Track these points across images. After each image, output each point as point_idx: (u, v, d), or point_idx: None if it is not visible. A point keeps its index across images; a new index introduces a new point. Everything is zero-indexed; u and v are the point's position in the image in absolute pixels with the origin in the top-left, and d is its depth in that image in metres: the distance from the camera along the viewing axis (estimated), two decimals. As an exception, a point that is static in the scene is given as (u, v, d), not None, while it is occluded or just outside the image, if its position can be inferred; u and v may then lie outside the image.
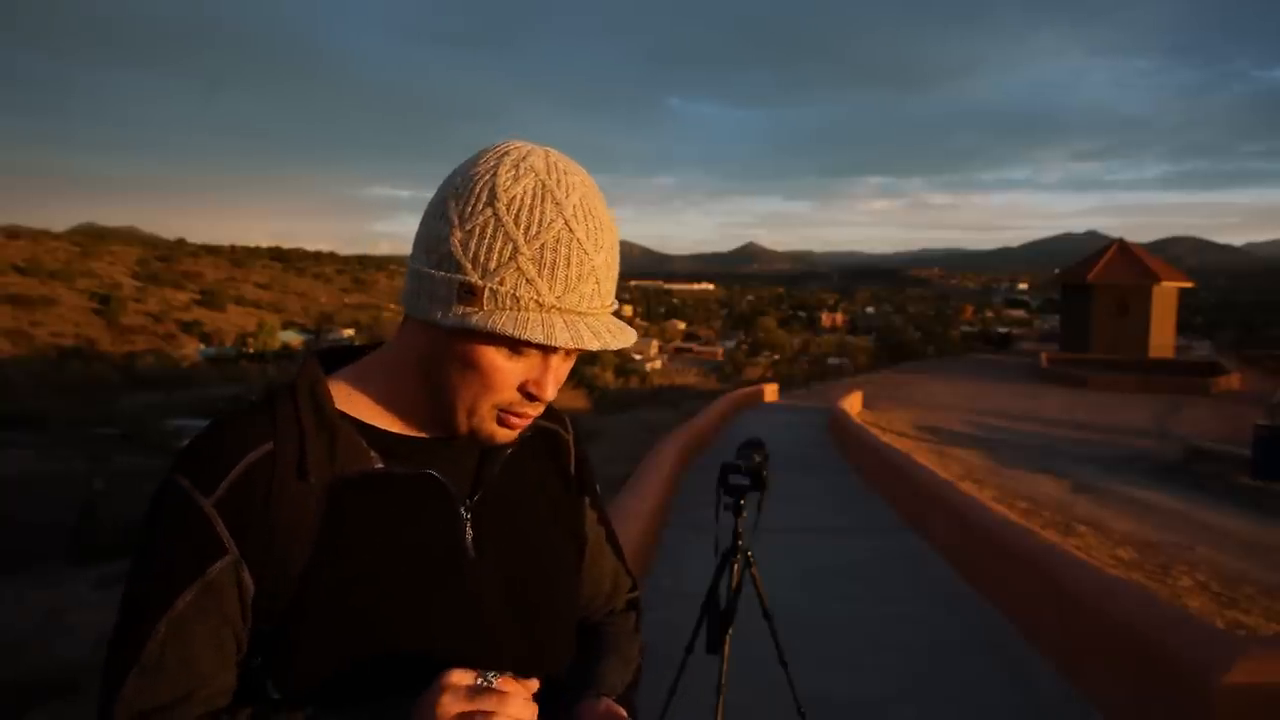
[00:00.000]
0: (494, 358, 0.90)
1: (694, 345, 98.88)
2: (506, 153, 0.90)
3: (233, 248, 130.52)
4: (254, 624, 0.90)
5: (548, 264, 0.86)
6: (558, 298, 0.87)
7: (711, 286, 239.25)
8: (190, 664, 0.86)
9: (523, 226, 0.86)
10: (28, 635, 5.22)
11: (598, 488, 1.22)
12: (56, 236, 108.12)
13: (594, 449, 13.91)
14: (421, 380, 0.95)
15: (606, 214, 0.92)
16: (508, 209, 0.86)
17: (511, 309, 0.87)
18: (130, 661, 0.86)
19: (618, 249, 0.93)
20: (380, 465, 0.94)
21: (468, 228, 0.87)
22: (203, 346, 66.75)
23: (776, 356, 65.09)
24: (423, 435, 0.99)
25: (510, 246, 0.86)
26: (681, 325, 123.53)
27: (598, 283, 0.90)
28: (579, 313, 0.89)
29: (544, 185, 0.88)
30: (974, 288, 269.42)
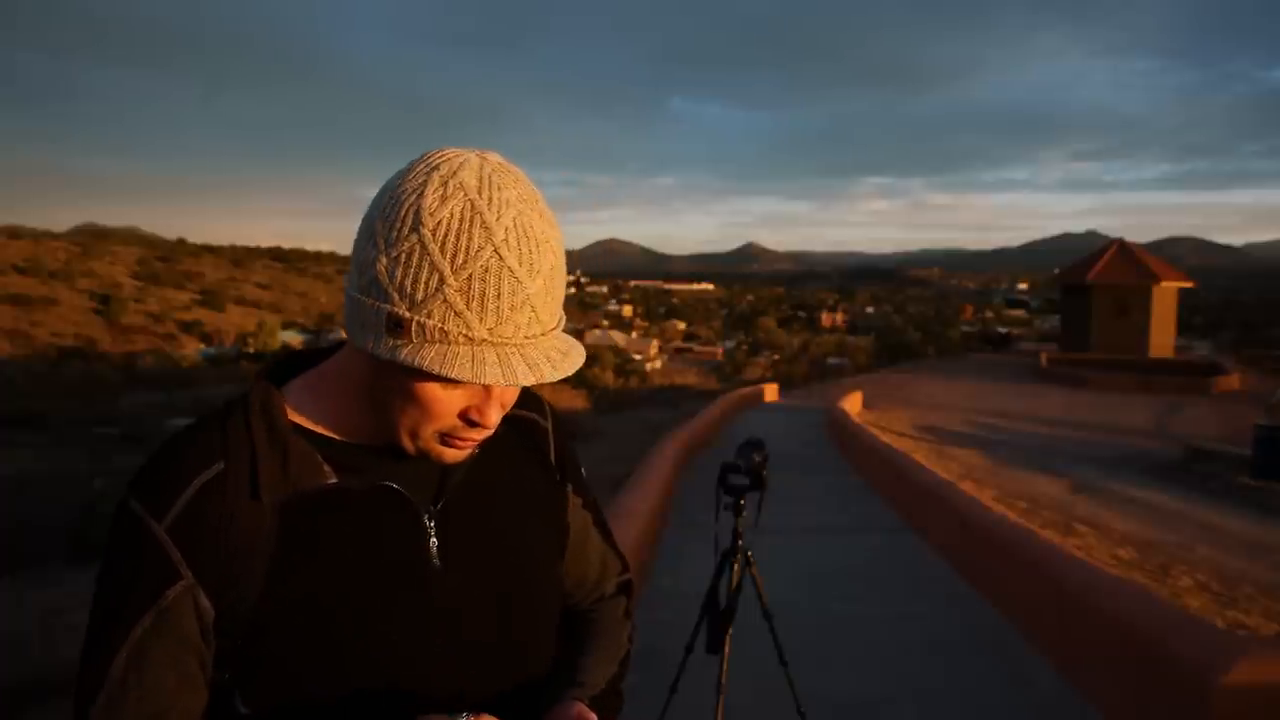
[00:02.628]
0: (431, 389, 0.87)
1: (694, 345, 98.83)
2: (436, 167, 0.84)
3: (233, 248, 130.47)
4: (218, 643, 0.89)
5: (476, 295, 0.81)
6: (489, 330, 0.82)
7: (711, 286, 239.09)
8: (153, 689, 0.86)
9: (449, 255, 0.81)
10: (28, 635, 5.22)
11: (582, 471, 1.19)
12: (57, 236, 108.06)
13: (594, 449, 13.90)
14: (367, 401, 0.93)
15: (546, 231, 0.86)
16: (433, 235, 0.81)
17: (440, 343, 0.82)
18: (96, 686, 0.86)
19: (560, 268, 0.88)
20: (334, 480, 0.93)
21: (393, 254, 0.82)
22: (203, 346, 66.70)
23: (776, 356, 65.05)
24: (382, 444, 0.95)
25: (436, 277, 0.81)
26: (681, 325, 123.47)
27: (534, 310, 0.84)
28: (514, 344, 0.84)
29: (473, 206, 0.82)
30: (974, 288, 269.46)
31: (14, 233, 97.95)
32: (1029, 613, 5.14)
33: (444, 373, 0.81)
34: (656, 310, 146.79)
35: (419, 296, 0.82)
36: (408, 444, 0.92)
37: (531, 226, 0.84)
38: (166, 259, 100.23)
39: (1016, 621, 5.26)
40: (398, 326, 0.83)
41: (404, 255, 0.82)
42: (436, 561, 0.96)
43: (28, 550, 8.40)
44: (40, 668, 4.47)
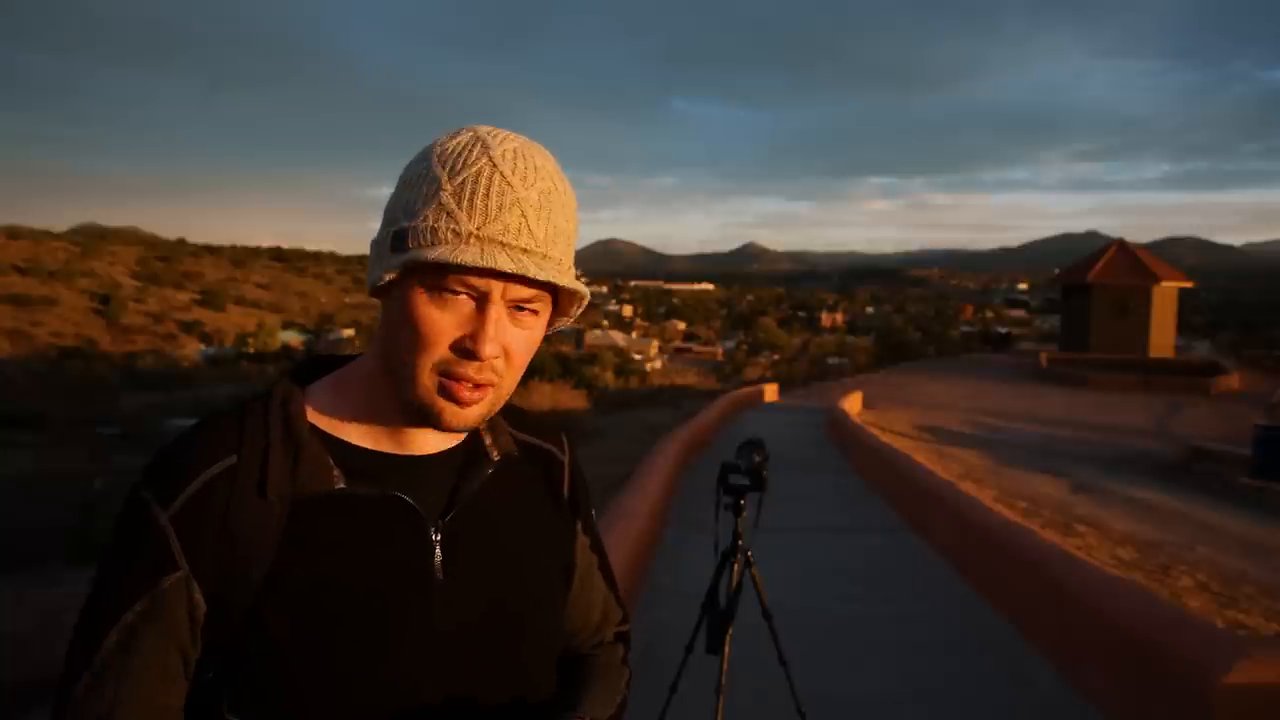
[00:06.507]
0: (423, 308, 0.86)
1: (694, 345, 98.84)
2: (463, 128, 0.93)
3: (233, 248, 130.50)
4: (208, 639, 0.87)
5: (466, 195, 0.86)
6: (477, 227, 0.85)
7: (711, 286, 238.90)
8: (137, 675, 0.85)
9: (447, 168, 0.87)
10: (28, 635, 5.22)
11: (593, 513, 1.17)
12: (57, 236, 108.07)
13: (594, 449, 13.90)
14: (386, 371, 0.92)
15: (548, 166, 0.90)
16: (438, 158, 0.88)
17: (430, 244, 0.85)
18: (81, 668, 0.85)
19: (557, 194, 0.89)
20: (342, 485, 0.91)
21: (403, 182, 0.90)
22: (203, 346, 66.75)
23: (776, 356, 65.09)
24: (399, 452, 0.96)
25: (434, 186, 0.87)
26: (681, 325, 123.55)
27: (524, 215, 0.86)
28: (500, 242, 0.85)
29: (478, 136, 0.89)
30: (974, 288, 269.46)
31: (14, 233, 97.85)
32: (1029, 613, 5.14)
33: (421, 254, 0.84)
34: (656, 310, 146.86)
35: (417, 205, 0.87)
36: (408, 391, 0.89)
37: (533, 155, 0.90)
38: (166, 259, 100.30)
39: (1016, 621, 5.26)
40: (400, 240, 0.87)
41: (411, 178, 0.89)
42: (440, 575, 0.94)
43: (28, 550, 8.40)
44: (40, 668, 4.47)
